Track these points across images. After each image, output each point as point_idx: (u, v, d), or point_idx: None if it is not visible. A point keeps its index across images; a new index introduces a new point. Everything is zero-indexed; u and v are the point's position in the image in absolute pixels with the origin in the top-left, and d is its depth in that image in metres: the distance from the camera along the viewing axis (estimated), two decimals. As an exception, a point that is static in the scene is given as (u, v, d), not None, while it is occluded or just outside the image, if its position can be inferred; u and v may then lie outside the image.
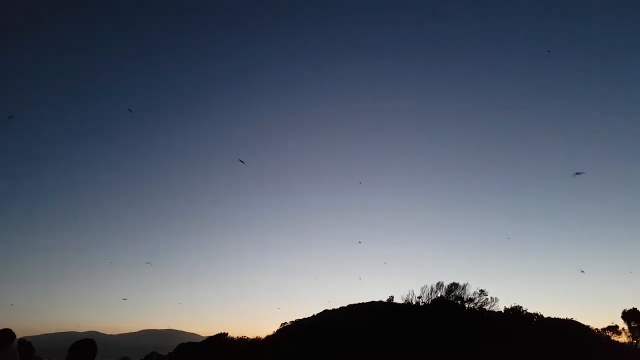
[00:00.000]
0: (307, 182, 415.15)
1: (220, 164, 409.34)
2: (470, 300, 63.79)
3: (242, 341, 74.41)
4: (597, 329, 60.71)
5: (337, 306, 77.51)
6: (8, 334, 6.62)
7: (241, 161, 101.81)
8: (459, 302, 63.67)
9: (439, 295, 65.30)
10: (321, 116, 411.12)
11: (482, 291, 63.74)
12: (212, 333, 77.59)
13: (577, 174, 51.17)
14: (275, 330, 77.70)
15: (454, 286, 65.07)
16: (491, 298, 63.37)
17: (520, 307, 61.77)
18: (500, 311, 62.23)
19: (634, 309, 59.64)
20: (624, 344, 58.47)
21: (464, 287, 64.67)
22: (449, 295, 64.58)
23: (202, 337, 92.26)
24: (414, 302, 67.26)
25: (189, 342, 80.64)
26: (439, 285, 66.07)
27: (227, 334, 75.87)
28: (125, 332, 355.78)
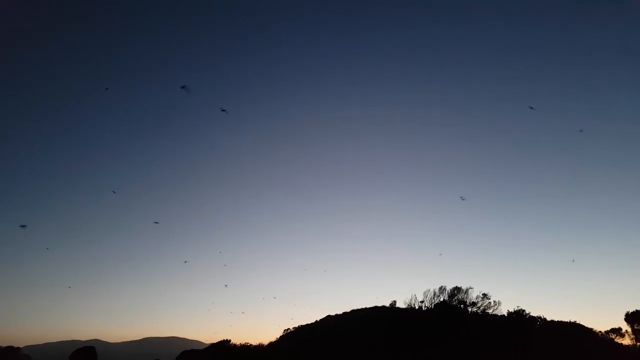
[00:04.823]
0: (310, 189, 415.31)
1: (227, 170, 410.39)
2: (473, 304, 63.78)
3: (245, 348, 74.23)
4: (600, 331, 60.60)
5: (340, 312, 77.62)
6: None
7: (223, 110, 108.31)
8: (461, 306, 63.64)
9: (441, 299, 65.32)
10: (329, 119, 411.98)
11: (485, 295, 63.79)
12: (215, 340, 77.38)
13: (531, 108, 52.40)
14: (279, 337, 77.70)
15: (456, 290, 65.09)
16: (494, 302, 63.39)
17: (523, 310, 61.67)
18: (504, 315, 62.19)
19: (638, 311, 59.48)
20: (627, 346, 58.34)
21: (466, 291, 64.71)
22: (451, 300, 64.56)
23: (205, 344, 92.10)
24: (416, 307, 67.27)
25: (192, 349, 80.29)
26: (442, 289, 66.12)
27: (230, 340, 75.73)
28: (128, 340, 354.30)
